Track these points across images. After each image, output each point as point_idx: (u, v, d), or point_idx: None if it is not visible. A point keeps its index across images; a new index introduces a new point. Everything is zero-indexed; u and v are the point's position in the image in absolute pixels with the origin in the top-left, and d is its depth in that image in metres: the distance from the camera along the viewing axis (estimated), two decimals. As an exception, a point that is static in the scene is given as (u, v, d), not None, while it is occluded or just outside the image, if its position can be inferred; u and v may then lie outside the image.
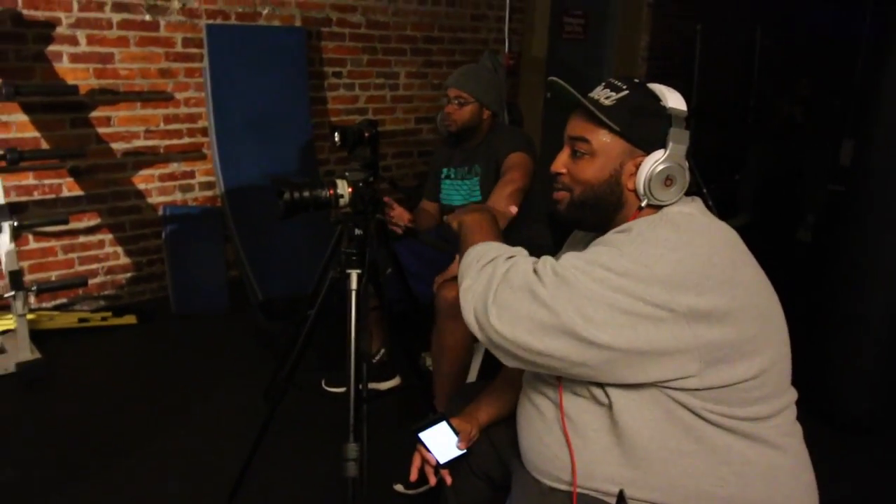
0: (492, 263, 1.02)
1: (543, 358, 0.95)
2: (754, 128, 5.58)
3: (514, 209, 2.04)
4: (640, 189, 1.05)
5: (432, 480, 1.23)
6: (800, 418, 1.09)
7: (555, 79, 1.09)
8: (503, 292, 0.96)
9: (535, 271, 0.97)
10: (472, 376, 2.26)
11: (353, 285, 1.69)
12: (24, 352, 2.53)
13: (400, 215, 2.25)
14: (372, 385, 2.35)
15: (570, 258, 0.99)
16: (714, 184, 4.68)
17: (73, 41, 2.88)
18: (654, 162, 1.04)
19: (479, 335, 1.00)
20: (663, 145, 1.04)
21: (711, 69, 5.36)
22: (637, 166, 1.06)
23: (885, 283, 2.10)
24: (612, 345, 0.92)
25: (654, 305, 0.92)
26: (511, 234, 2.16)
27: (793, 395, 1.07)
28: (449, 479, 1.24)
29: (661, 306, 0.92)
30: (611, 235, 1.04)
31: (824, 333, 2.25)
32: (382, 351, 2.50)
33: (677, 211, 1.05)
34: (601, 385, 1.01)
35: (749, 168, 4.91)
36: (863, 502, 1.96)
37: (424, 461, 1.24)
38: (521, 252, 1.07)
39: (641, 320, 0.92)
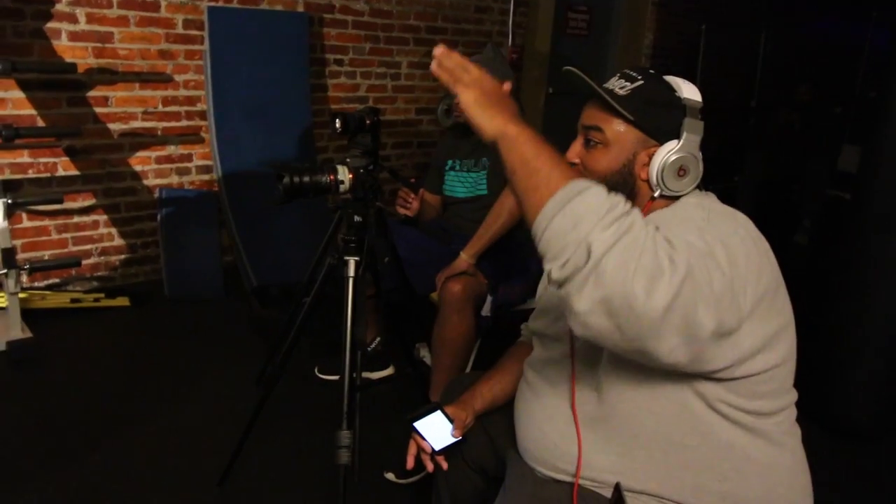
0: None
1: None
2: (755, 131, 5.60)
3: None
4: (653, 179, 1.05)
5: (429, 467, 1.24)
6: (799, 422, 1.09)
7: (571, 68, 1.08)
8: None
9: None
10: (467, 367, 2.27)
11: (351, 272, 1.68)
12: (15, 330, 2.54)
13: (413, 203, 2.28)
14: (365, 374, 2.35)
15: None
16: (714, 185, 4.71)
17: (73, 19, 2.86)
18: (668, 152, 1.04)
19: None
20: (677, 135, 1.04)
21: (714, 70, 5.37)
22: (650, 156, 1.05)
23: (888, 290, 2.09)
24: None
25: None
26: (511, 230, 2.18)
27: (794, 395, 1.07)
28: (445, 465, 1.24)
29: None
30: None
31: (826, 338, 2.25)
32: (377, 340, 2.50)
33: (696, 203, 1.06)
34: (617, 376, 1.00)
35: (748, 171, 4.93)
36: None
37: (420, 449, 1.24)
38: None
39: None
